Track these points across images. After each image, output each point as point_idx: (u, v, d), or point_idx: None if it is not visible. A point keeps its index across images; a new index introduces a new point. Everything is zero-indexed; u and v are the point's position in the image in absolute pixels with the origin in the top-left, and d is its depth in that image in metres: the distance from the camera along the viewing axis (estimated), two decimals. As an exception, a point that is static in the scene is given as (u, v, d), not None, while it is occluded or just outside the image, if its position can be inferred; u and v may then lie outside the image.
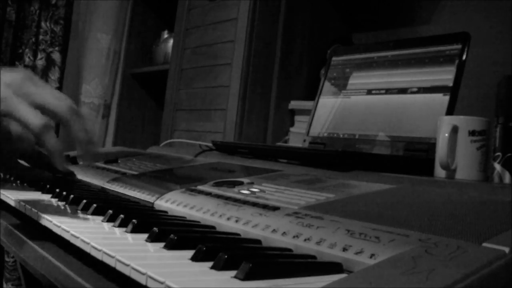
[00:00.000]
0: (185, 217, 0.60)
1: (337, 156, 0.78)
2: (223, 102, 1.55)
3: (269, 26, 1.54)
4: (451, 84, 0.88)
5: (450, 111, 0.85)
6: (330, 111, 1.08)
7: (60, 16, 2.07)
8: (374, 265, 0.36)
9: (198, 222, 0.57)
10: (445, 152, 0.72)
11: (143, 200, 0.69)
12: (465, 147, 0.73)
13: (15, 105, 0.47)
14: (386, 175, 0.68)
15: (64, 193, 0.66)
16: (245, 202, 0.58)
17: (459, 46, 0.89)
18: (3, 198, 0.67)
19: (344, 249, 0.41)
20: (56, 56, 2.07)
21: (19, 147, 0.60)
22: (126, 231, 0.50)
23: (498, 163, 0.75)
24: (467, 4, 1.32)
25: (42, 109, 0.49)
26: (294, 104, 1.54)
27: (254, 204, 0.57)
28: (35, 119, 0.47)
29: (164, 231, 0.47)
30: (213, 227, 0.55)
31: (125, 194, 0.73)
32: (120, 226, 0.53)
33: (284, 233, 0.47)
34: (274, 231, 0.48)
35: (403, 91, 0.95)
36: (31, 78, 0.50)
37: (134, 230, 0.50)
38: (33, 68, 2.04)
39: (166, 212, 0.63)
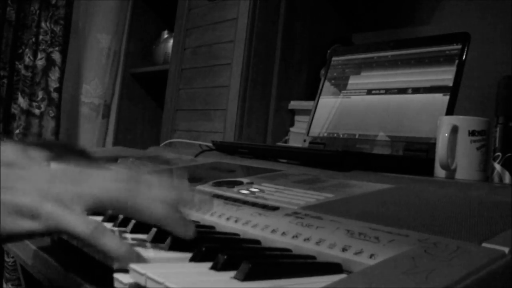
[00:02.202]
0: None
1: (337, 156, 0.78)
2: (223, 102, 1.55)
3: (269, 26, 1.53)
4: (451, 84, 0.88)
5: (450, 111, 0.85)
6: (330, 111, 1.08)
7: (60, 16, 2.06)
8: (373, 266, 0.36)
9: (198, 222, 0.57)
10: (445, 152, 0.72)
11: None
12: (465, 147, 0.73)
13: (63, 220, 0.41)
14: (386, 175, 0.68)
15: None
16: (244, 202, 0.58)
17: (459, 46, 0.89)
18: None
19: (344, 249, 0.41)
20: (56, 56, 2.06)
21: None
22: (126, 232, 0.50)
23: (498, 163, 0.75)
24: (467, 4, 1.32)
25: (94, 209, 0.43)
26: (294, 104, 1.54)
27: (254, 204, 0.57)
28: (82, 227, 0.41)
29: (163, 231, 0.47)
30: (213, 227, 0.55)
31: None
32: (120, 226, 0.53)
33: (283, 233, 0.47)
34: (273, 231, 0.48)
35: (403, 91, 0.95)
36: (72, 177, 0.44)
37: (133, 231, 0.50)
38: (33, 68, 2.04)
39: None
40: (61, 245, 0.50)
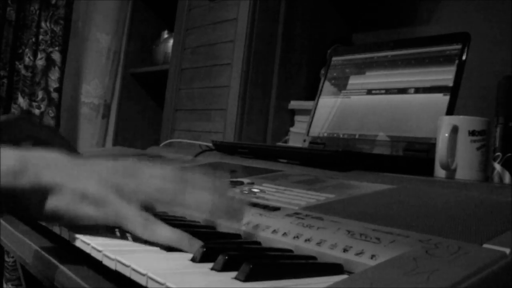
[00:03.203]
0: (185, 218, 0.59)
1: (337, 156, 0.78)
2: (223, 102, 1.55)
3: (269, 26, 1.53)
4: (451, 84, 0.88)
5: (450, 111, 0.85)
6: (330, 111, 1.08)
7: (60, 16, 2.06)
8: (375, 266, 0.36)
9: (198, 222, 0.57)
10: (445, 152, 0.72)
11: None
12: (465, 147, 0.73)
13: (122, 211, 0.44)
14: (386, 175, 0.68)
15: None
16: (245, 203, 0.58)
17: (459, 46, 0.89)
18: None
19: (345, 250, 0.41)
20: (56, 56, 2.06)
21: None
22: (126, 232, 0.50)
23: (498, 163, 0.75)
24: (467, 4, 1.32)
25: (147, 203, 0.47)
26: (294, 104, 1.54)
27: (255, 205, 0.57)
28: (137, 220, 0.44)
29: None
30: (214, 228, 0.55)
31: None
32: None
33: (284, 234, 0.47)
34: (274, 231, 0.48)
35: (403, 91, 0.95)
36: (130, 172, 0.47)
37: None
38: (33, 68, 2.04)
39: (166, 212, 0.63)
40: (63, 245, 0.50)
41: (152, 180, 0.47)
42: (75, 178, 0.45)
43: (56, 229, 0.51)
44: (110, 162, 0.48)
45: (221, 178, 0.52)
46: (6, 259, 1.87)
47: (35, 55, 2.04)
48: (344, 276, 0.38)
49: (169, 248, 0.44)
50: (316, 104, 1.12)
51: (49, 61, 2.05)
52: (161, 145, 1.59)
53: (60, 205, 0.44)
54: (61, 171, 0.45)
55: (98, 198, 0.44)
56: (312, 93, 1.42)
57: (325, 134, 1.07)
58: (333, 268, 0.40)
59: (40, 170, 0.44)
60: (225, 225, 0.54)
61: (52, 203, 0.44)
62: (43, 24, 2.04)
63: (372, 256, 0.39)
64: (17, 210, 0.46)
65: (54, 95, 2.06)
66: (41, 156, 0.45)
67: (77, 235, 0.46)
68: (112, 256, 0.40)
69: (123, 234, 0.49)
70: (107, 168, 0.47)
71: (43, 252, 0.50)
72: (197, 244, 0.43)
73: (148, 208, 0.47)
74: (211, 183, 0.49)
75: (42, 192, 0.44)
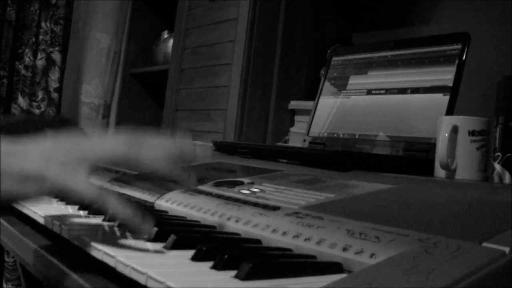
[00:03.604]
0: (185, 217, 0.60)
1: (337, 156, 0.78)
2: (223, 102, 1.55)
3: (269, 26, 1.53)
4: (451, 84, 0.88)
5: (450, 111, 0.85)
6: (330, 111, 1.08)
7: (60, 16, 2.06)
8: (374, 265, 0.36)
9: (198, 222, 0.57)
10: (445, 152, 0.72)
11: (143, 200, 0.69)
12: (465, 147, 0.73)
13: (64, 183, 0.45)
14: (386, 175, 0.69)
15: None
16: (245, 202, 0.58)
17: (459, 46, 0.89)
18: None
19: (344, 249, 0.41)
20: (56, 56, 2.06)
21: None
22: (127, 231, 0.50)
23: (498, 163, 0.75)
24: (467, 4, 1.32)
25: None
26: (294, 104, 1.54)
27: (255, 204, 0.57)
28: (87, 190, 0.45)
29: (164, 230, 0.47)
30: (214, 227, 0.55)
31: (125, 194, 0.73)
32: (119, 226, 0.53)
33: (284, 233, 0.47)
34: (274, 231, 0.48)
35: (403, 91, 0.96)
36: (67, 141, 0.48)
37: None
38: (33, 68, 2.04)
39: (166, 212, 0.63)
40: (62, 244, 0.50)
41: (100, 146, 0.48)
42: (12, 162, 0.45)
43: (56, 229, 0.51)
44: (55, 139, 0.49)
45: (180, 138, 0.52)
46: (6, 259, 1.87)
47: (35, 55, 2.04)
48: (344, 275, 0.38)
49: (169, 246, 0.44)
50: (316, 104, 1.12)
51: (49, 61, 2.06)
52: (161, 145, 1.58)
53: (6, 189, 0.45)
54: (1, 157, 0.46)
55: (37, 176, 0.45)
56: (312, 93, 1.42)
57: (325, 134, 1.07)
58: (332, 267, 0.40)
59: None
60: (225, 225, 0.54)
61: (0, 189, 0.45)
62: (43, 24, 2.04)
63: (372, 255, 0.39)
64: None
65: (54, 95, 2.06)
66: None
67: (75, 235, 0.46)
68: (112, 254, 0.40)
69: (122, 230, 0.49)
70: (51, 144, 0.48)
71: (43, 252, 0.50)
72: (148, 224, 0.45)
73: (99, 168, 0.48)
74: (170, 142, 0.50)
75: None
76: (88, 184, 0.45)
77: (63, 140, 0.49)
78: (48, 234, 0.55)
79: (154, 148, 0.49)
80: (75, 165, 0.46)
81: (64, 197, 0.48)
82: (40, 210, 0.58)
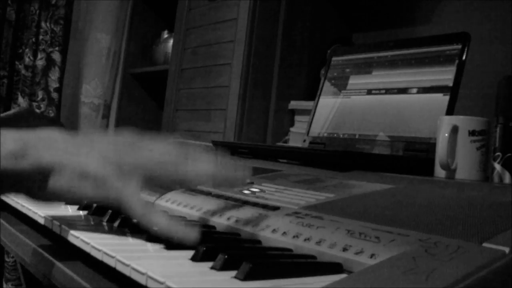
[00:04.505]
0: (185, 217, 0.59)
1: (337, 156, 0.78)
2: (223, 102, 1.55)
3: (269, 26, 1.53)
4: (451, 84, 0.88)
5: (450, 111, 0.85)
6: (330, 111, 1.08)
7: (60, 16, 2.06)
8: (374, 265, 0.36)
9: (198, 222, 0.57)
10: (445, 152, 0.72)
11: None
12: (465, 147, 0.73)
13: (122, 197, 0.44)
14: (386, 175, 0.68)
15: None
16: (245, 202, 0.58)
17: (459, 46, 0.89)
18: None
19: (344, 249, 0.41)
20: (56, 56, 2.06)
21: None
22: (126, 232, 0.50)
23: (498, 163, 0.75)
24: (467, 4, 1.32)
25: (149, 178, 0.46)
26: (294, 104, 1.54)
27: (254, 204, 0.57)
28: (137, 207, 0.44)
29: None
30: (213, 227, 0.55)
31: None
32: (120, 226, 0.53)
33: (284, 233, 0.47)
34: (274, 231, 0.48)
35: (403, 91, 0.95)
36: (125, 143, 0.47)
37: (133, 230, 0.50)
38: (33, 68, 2.04)
39: (166, 212, 0.63)
40: (62, 244, 0.50)
41: (152, 154, 0.47)
42: (74, 157, 0.45)
43: (56, 229, 0.51)
44: (109, 138, 0.48)
45: (223, 156, 0.51)
46: (6, 259, 1.87)
47: (35, 55, 2.04)
48: (344, 275, 0.38)
49: (169, 246, 0.44)
50: (316, 104, 1.12)
51: (49, 61, 2.05)
52: (161, 145, 1.58)
53: (61, 185, 0.44)
54: (60, 150, 0.45)
55: (98, 177, 0.44)
56: (312, 93, 1.42)
57: (325, 134, 1.07)
58: (332, 267, 0.40)
59: (40, 150, 0.44)
60: (225, 225, 0.54)
61: (54, 183, 0.44)
62: (43, 24, 2.04)
63: (372, 255, 0.39)
64: (19, 191, 0.46)
65: (54, 95, 2.06)
66: (40, 137, 0.45)
67: (74, 233, 0.46)
68: (112, 254, 0.40)
69: (121, 230, 0.49)
70: (107, 144, 0.47)
71: (42, 252, 0.50)
72: (193, 233, 0.43)
73: (150, 181, 0.47)
74: (212, 157, 0.49)
75: (43, 173, 0.44)
76: (139, 198, 0.45)
77: (118, 139, 0.48)
78: (48, 233, 0.55)
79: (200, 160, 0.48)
80: (131, 172, 0.45)
81: (116, 207, 0.47)
82: (40, 209, 0.58)
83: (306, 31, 1.59)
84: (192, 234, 0.43)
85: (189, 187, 0.48)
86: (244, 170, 0.51)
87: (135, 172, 0.46)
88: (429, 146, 0.84)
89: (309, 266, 0.41)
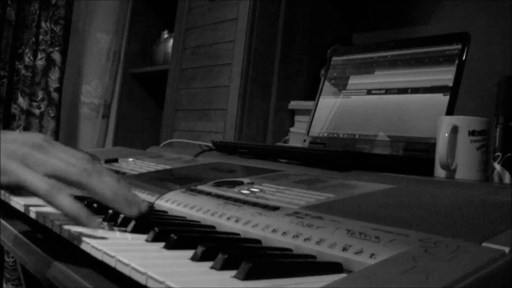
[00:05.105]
0: (185, 217, 0.60)
1: (337, 156, 0.78)
2: (223, 102, 1.55)
3: (269, 26, 1.53)
4: (451, 84, 0.88)
5: (450, 111, 0.85)
6: (330, 111, 1.08)
7: (60, 16, 2.06)
8: (374, 265, 0.36)
9: (198, 222, 0.57)
10: (445, 152, 0.72)
11: (143, 200, 0.69)
12: (465, 147, 0.73)
13: (22, 176, 0.47)
14: (386, 175, 0.68)
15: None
16: (245, 202, 0.58)
17: (459, 46, 0.89)
18: None
19: (344, 249, 0.41)
20: (56, 56, 2.06)
21: None
22: (126, 231, 0.51)
23: (498, 163, 0.75)
24: (467, 4, 1.32)
25: (54, 177, 0.48)
26: (294, 104, 1.54)
27: (254, 204, 0.57)
28: (40, 184, 0.46)
29: (164, 231, 0.47)
30: (213, 227, 0.55)
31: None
32: (120, 225, 0.53)
33: (284, 233, 0.47)
34: (274, 231, 0.48)
35: (403, 91, 0.95)
36: (39, 145, 0.50)
37: (134, 230, 0.50)
38: (33, 68, 2.04)
39: (166, 212, 0.63)
40: (62, 244, 0.50)
41: (60, 155, 0.50)
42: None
43: (56, 229, 0.51)
44: (20, 135, 0.51)
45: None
46: (6, 259, 1.87)
47: (35, 55, 2.04)
48: (344, 275, 0.38)
49: (169, 246, 0.44)
50: (316, 104, 1.12)
51: (49, 61, 2.06)
52: (161, 145, 1.59)
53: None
54: None
55: (1, 168, 0.47)
56: (312, 93, 1.42)
57: (325, 134, 1.07)
58: (332, 267, 0.40)
59: None
60: (225, 225, 0.54)
61: None
62: (43, 24, 2.04)
63: (372, 255, 0.39)
64: None
65: (54, 95, 2.06)
66: None
67: (74, 233, 0.46)
68: (112, 254, 0.40)
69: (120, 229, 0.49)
70: (14, 140, 0.49)
71: (42, 252, 0.50)
72: (95, 221, 0.46)
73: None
74: (115, 175, 0.52)
75: None
76: (42, 180, 0.47)
77: (31, 137, 0.50)
78: (48, 234, 0.55)
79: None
80: (34, 165, 0.48)
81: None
82: (30, 203, 0.59)
83: (306, 31, 1.59)
84: (94, 222, 0.46)
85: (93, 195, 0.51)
86: (137, 197, 0.54)
87: (40, 167, 0.48)
88: (429, 146, 0.84)
89: (309, 265, 0.41)
